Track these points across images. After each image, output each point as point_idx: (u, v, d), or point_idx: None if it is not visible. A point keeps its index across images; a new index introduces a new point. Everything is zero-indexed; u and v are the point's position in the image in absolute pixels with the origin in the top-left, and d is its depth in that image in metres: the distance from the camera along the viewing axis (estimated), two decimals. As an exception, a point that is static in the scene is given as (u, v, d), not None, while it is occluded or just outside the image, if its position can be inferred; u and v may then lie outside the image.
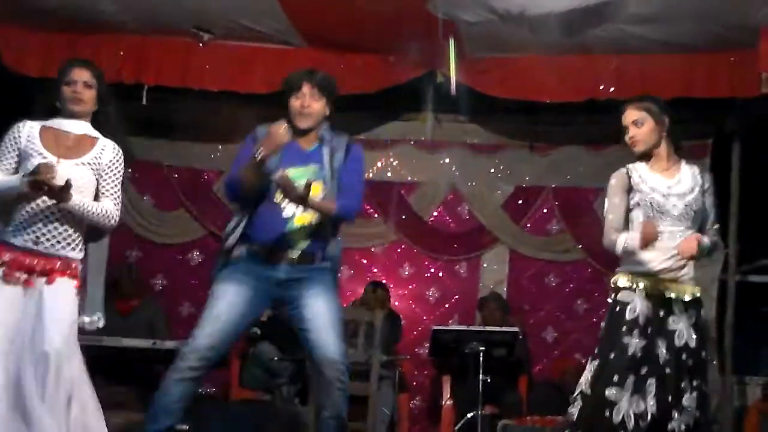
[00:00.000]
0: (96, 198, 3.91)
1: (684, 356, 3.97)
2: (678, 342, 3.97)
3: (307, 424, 5.55)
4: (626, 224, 4.10)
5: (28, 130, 3.88)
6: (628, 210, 4.10)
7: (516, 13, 5.51)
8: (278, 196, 4.02)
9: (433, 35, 5.68)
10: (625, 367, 3.94)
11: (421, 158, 7.83)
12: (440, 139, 7.71)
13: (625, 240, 4.00)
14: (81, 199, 3.78)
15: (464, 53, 6.11)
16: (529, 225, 7.85)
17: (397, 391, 6.56)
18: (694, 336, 3.99)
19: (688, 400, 3.94)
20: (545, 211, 7.85)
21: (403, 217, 7.77)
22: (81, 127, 3.94)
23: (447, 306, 7.79)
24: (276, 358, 6.63)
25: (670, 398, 3.91)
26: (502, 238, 7.83)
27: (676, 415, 3.91)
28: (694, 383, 3.96)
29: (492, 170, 7.85)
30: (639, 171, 4.11)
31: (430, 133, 7.54)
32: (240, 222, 4.10)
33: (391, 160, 7.78)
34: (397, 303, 7.61)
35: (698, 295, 4.07)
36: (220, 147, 7.81)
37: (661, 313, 4.00)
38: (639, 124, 4.08)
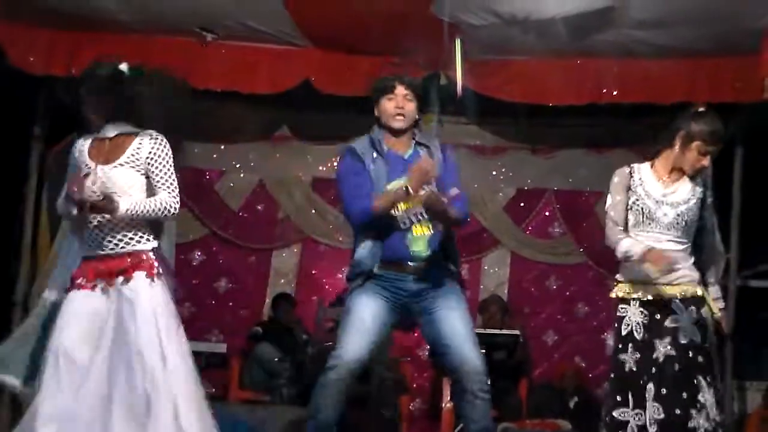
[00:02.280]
0: (151, 192, 3.89)
1: (691, 353, 3.93)
2: (683, 339, 3.93)
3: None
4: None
5: (80, 145, 3.93)
6: (627, 209, 4.08)
7: (521, 17, 5.53)
8: (393, 210, 4.02)
9: (437, 38, 5.68)
10: (622, 385, 3.95)
11: (423, 160, 7.82)
12: (443, 141, 7.68)
13: (627, 247, 3.98)
14: (131, 202, 3.77)
15: (468, 56, 6.11)
16: (530, 228, 7.86)
17: (397, 392, 6.56)
18: (699, 333, 3.96)
19: (705, 396, 3.89)
20: (547, 214, 7.86)
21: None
22: (116, 128, 3.90)
23: (447, 308, 7.78)
24: (276, 359, 6.64)
25: (684, 395, 3.87)
26: (503, 241, 7.83)
27: (694, 413, 3.86)
28: (709, 379, 3.92)
29: (494, 172, 7.86)
30: (641, 173, 4.09)
31: (433, 135, 7.53)
32: (374, 244, 4.07)
33: (394, 161, 7.78)
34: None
35: (699, 293, 4.02)
36: (222, 147, 7.83)
37: (658, 316, 3.98)
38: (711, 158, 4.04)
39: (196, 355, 6.28)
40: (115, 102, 3.88)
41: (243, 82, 6.43)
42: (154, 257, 3.86)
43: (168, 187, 3.87)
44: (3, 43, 6.05)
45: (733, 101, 6.12)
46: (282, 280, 7.87)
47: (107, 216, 3.76)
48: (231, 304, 7.77)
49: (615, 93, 6.18)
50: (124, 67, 3.97)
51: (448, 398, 6.54)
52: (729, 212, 6.63)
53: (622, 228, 4.06)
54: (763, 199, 6.69)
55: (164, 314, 3.78)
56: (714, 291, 4.09)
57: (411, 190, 3.86)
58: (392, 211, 4.01)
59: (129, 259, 3.81)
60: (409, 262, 4.06)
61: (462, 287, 4.20)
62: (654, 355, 3.94)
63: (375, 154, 4.13)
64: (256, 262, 7.86)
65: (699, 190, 4.07)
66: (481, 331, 6.68)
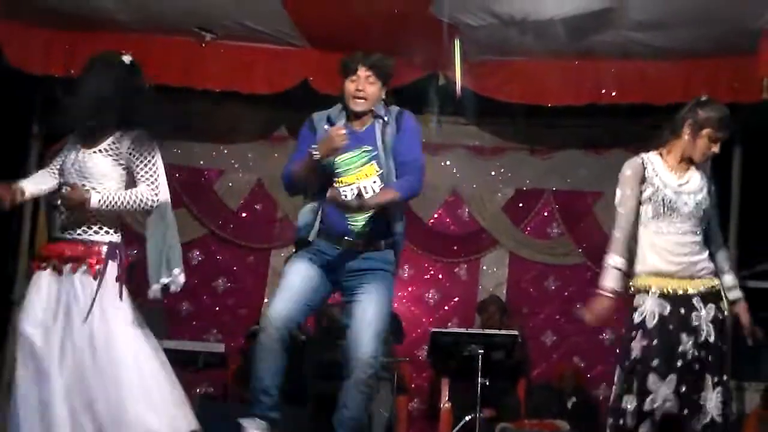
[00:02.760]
0: (132, 185, 3.95)
1: (704, 353, 3.92)
2: (700, 339, 3.93)
3: (307, 424, 5.56)
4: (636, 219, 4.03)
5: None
6: (639, 203, 4.01)
7: (519, 18, 5.53)
8: (338, 182, 4.06)
9: (435, 38, 5.69)
10: (627, 372, 3.92)
11: (421, 160, 7.82)
12: (441, 142, 7.71)
13: (610, 269, 3.95)
14: (103, 195, 3.83)
15: (466, 56, 6.12)
16: (529, 228, 7.86)
17: (395, 393, 6.55)
18: (713, 332, 3.95)
19: (707, 398, 3.90)
20: (545, 214, 7.86)
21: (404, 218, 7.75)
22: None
23: (446, 308, 7.80)
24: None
25: (695, 397, 3.88)
26: (502, 241, 7.84)
27: (699, 415, 3.88)
28: (716, 379, 3.92)
29: (493, 173, 7.86)
30: (654, 163, 4.04)
31: (431, 135, 7.53)
32: (316, 214, 4.11)
33: (392, 161, 7.77)
34: (396, 305, 7.60)
35: (717, 287, 4.01)
36: (221, 146, 7.83)
37: (683, 311, 3.93)
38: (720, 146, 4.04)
39: (195, 355, 6.43)
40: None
41: (241, 82, 6.43)
42: (106, 251, 3.89)
43: (147, 180, 3.92)
44: (1, 42, 6.06)
45: (732, 101, 6.11)
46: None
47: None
48: (229, 303, 7.77)
49: (613, 94, 6.19)
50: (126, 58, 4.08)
51: (446, 399, 6.56)
52: (727, 212, 6.64)
53: (631, 229, 4.00)
54: (761, 199, 6.70)
55: (99, 310, 3.83)
56: (730, 279, 4.08)
57: (316, 154, 3.89)
58: (335, 184, 4.03)
59: (81, 248, 3.86)
60: (345, 237, 4.06)
61: (393, 274, 4.20)
62: (681, 349, 3.90)
63: (326, 126, 4.13)
64: (255, 261, 7.86)
65: (706, 179, 4.08)
66: (479, 331, 6.70)
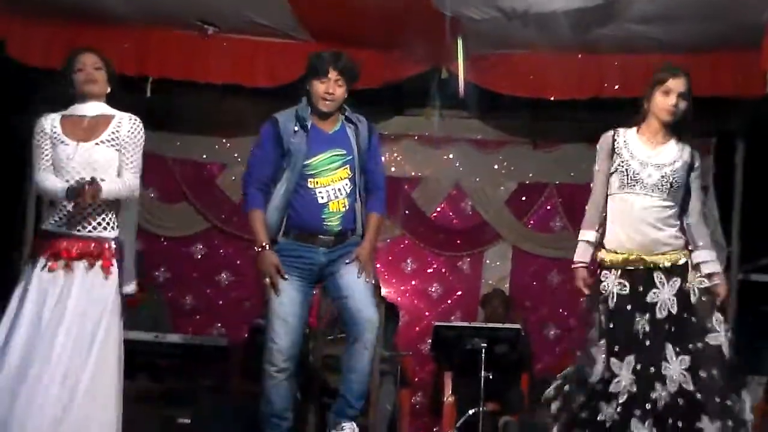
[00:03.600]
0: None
1: (666, 325, 3.96)
2: (660, 314, 3.97)
3: (308, 416, 5.56)
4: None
5: (51, 122, 4.02)
6: (609, 174, 4.14)
7: (521, 11, 5.52)
8: (312, 183, 4.16)
9: (438, 31, 5.68)
10: (597, 350, 4.00)
11: (424, 154, 7.82)
12: (444, 135, 7.70)
13: (580, 243, 4.16)
14: (108, 185, 3.89)
15: (469, 49, 6.11)
16: (532, 222, 7.86)
17: (398, 386, 6.56)
18: (676, 304, 3.97)
19: (671, 368, 3.91)
20: (548, 208, 7.85)
21: (406, 212, 7.76)
22: (96, 108, 4.05)
23: (449, 302, 7.80)
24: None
25: (652, 370, 3.91)
26: (504, 235, 7.83)
27: (658, 386, 3.90)
28: (677, 349, 3.93)
29: (495, 166, 7.85)
30: (626, 136, 4.16)
31: (434, 129, 7.53)
32: (283, 213, 4.23)
33: (395, 155, 7.76)
34: (399, 298, 7.61)
35: (682, 262, 4.05)
36: (223, 140, 7.81)
37: (640, 288, 4.00)
38: (684, 98, 4.07)
39: (198, 348, 6.43)
40: (108, 79, 4.08)
41: (244, 76, 6.43)
42: (114, 247, 3.96)
43: (132, 169, 4.01)
44: (2, 35, 6.05)
45: (735, 96, 6.12)
46: (283, 273, 7.86)
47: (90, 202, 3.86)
48: (233, 296, 7.77)
49: (616, 87, 6.17)
50: None
51: (450, 392, 6.56)
52: (730, 206, 6.63)
53: (601, 202, 4.14)
54: (764, 193, 6.69)
55: (108, 311, 3.88)
56: (704, 255, 4.10)
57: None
58: (308, 185, 4.19)
59: (93, 246, 3.90)
60: (320, 236, 4.21)
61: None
62: (635, 328, 3.96)
63: (297, 127, 4.23)
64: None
65: (686, 153, 4.10)
66: (482, 324, 6.71)
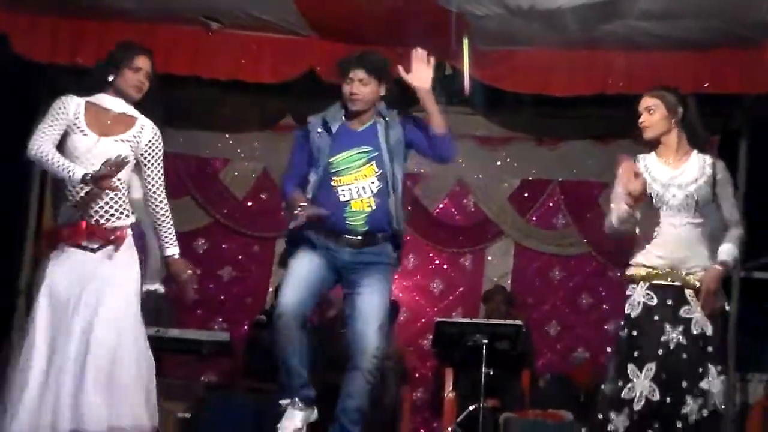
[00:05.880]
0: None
1: (702, 343, 3.97)
2: (695, 330, 3.97)
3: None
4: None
5: (75, 106, 3.95)
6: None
7: (526, 7, 5.51)
8: (336, 181, 4.16)
9: (442, 27, 5.66)
10: (616, 361, 4.00)
11: (427, 150, 7.81)
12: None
13: (614, 209, 4.05)
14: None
15: (473, 46, 6.10)
16: (534, 218, 7.86)
17: (399, 382, 6.57)
18: (710, 325, 3.99)
19: (709, 384, 3.93)
20: (551, 204, 7.86)
21: (409, 208, 7.75)
22: (122, 105, 4.01)
23: (451, 298, 7.81)
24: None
25: (684, 384, 3.91)
26: (507, 231, 7.84)
27: (689, 399, 3.90)
28: (719, 368, 3.96)
29: (499, 163, 7.86)
30: (647, 161, 4.14)
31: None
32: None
33: (398, 151, 7.76)
34: (401, 294, 7.61)
35: None
36: (227, 135, 7.83)
37: (670, 302, 4.00)
38: (651, 111, 4.12)
39: (200, 343, 6.44)
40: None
41: (248, 72, 6.42)
42: (131, 233, 3.98)
43: (160, 187, 4.08)
44: (7, 30, 6.05)
45: (739, 93, 6.11)
46: (286, 269, 7.87)
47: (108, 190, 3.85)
48: (235, 292, 7.78)
49: (621, 84, 6.16)
50: None
51: (450, 388, 6.56)
52: (733, 204, 6.59)
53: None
54: (767, 191, 6.68)
55: (132, 294, 3.92)
56: (723, 249, 4.09)
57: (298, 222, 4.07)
58: (332, 182, 4.18)
59: (109, 232, 3.90)
60: (345, 235, 4.17)
61: (393, 266, 4.34)
62: (663, 338, 3.95)
63: (320, 129, 4.25)
64: (260, 250, 7.86)
65: (708, 166, 4.10)
66: (484, 321, 6.71)
